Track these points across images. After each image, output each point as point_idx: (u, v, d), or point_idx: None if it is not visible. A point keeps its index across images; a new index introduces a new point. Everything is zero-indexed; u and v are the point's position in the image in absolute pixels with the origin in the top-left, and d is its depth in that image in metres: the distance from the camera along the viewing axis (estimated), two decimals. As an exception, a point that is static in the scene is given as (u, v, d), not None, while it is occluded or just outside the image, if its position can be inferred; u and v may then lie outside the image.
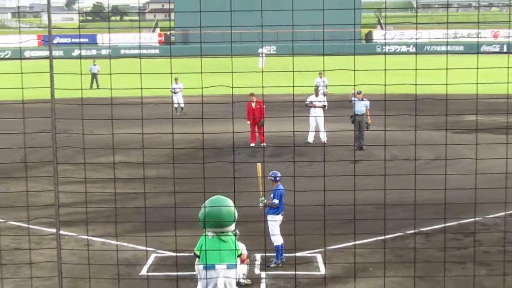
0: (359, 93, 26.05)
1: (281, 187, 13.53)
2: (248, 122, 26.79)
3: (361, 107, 26.05)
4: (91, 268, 11.90)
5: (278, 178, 13.61)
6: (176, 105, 36.65)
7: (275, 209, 13.46)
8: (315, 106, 27.41)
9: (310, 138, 27.49)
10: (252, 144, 26.82)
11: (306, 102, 27.43)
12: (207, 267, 9.64)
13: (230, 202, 9.91)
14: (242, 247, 11.38)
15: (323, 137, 26.99)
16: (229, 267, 9.71)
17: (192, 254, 10.15)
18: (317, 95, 27.87)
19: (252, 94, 26.40)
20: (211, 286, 9.68)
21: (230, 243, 9.88)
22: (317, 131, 27.47)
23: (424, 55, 74.88)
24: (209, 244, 9.71)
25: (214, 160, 21.22)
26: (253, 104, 26.77)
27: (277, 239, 13.48)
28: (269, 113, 27.19)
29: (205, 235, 9.87)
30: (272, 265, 13.44)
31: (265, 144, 26.31)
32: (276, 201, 13.38)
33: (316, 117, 27.43)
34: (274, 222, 13.44)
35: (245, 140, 26.69)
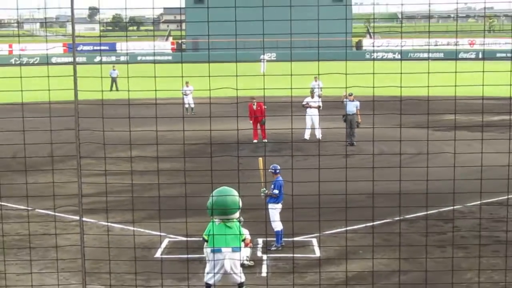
0: (350, 95, 26.02)
1: (280, 178, 13.51)
2: (250, 121, 26.77)
3: (352, 107, 26.00)
4: (111, 251, 11.91)
5: (278, 171, 13.59)
6: (186, 106, 36.61)
7: (275, 199, 13.44)
8: (311, 107, 27.36)
9: (307, 135, 27.45)
10: (255, 141, 26.79)
11: (303, 103, 27.37)
12: (214, 250, 9.64)
13: (235, 192, 9.92)
14: (245, 232, 11.37)
15: (318, 134, 26.95)
16: (234, 250, 9.72)
17: (201, 238, 10.15)
18: (312, 96, 27.81)
19: (252, 98, 26.38)
20: (218, 267, 9.69)
21: (235, 228, 9.89)
22: (312, 128, 27.42)
23: (408, 61, 74.67)
24: (216, 230, 9.72)
25: (220, 155, 21.19)
26: (254, 106, 26.77)
27: (277, 225, 13.47)
28: (269, 113, 27.11)
29: (213, 222, 9.87)
30: (272, 249, 13.44)
31: (266, 141, 26.29)
32: (276, 191, 13.37)
33: (312, 116, 27.39)
34: (275, 210, 13.43)
35: (249, 137, 26.65)
